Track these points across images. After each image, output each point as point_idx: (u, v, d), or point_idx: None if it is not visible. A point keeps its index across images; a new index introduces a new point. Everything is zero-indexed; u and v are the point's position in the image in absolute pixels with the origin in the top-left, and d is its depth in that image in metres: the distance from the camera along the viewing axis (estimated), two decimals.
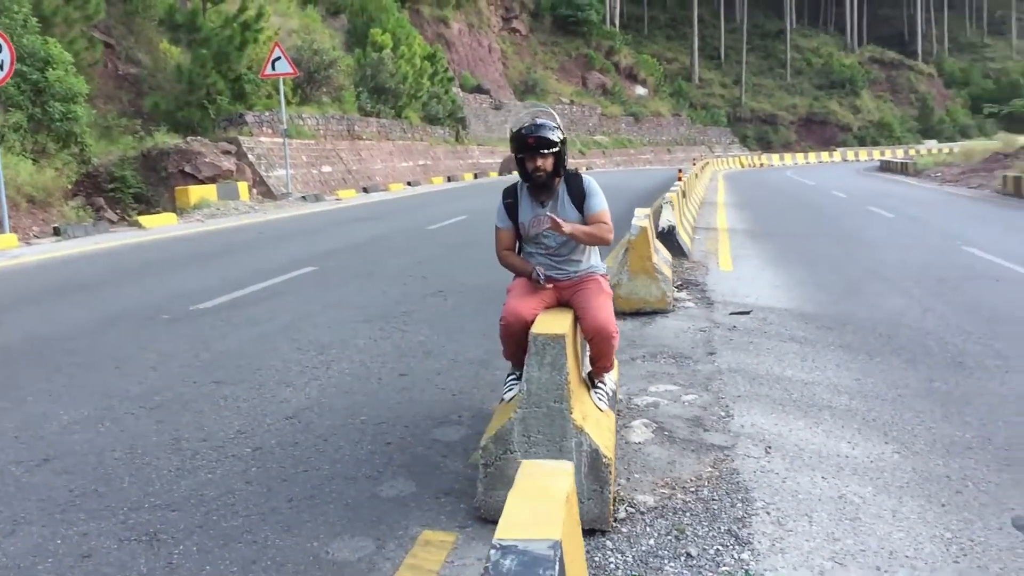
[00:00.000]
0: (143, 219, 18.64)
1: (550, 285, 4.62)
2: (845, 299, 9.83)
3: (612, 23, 77.22)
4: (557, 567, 1.95)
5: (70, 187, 19.35)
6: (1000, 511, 4.29)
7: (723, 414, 5.76)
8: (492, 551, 2.00)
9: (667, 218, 12.62)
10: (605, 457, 4.06)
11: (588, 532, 4.04)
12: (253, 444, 5.12)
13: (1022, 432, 5.41)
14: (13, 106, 18.34)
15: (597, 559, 3.83)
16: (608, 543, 3.98)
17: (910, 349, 7.49)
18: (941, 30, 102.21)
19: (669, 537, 4.02)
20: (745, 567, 3.75)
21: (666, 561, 3.81)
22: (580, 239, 4.64)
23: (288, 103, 26.14)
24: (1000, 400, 6.08)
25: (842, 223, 18.64)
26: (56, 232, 16.55)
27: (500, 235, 4.84)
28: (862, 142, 79.75)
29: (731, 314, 8.85)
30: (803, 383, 6.50)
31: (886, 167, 48.14)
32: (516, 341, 4.52)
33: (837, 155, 70.01)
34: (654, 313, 8.79)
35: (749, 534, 4.04)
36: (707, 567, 3.76)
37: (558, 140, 4.58)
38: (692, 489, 4.54)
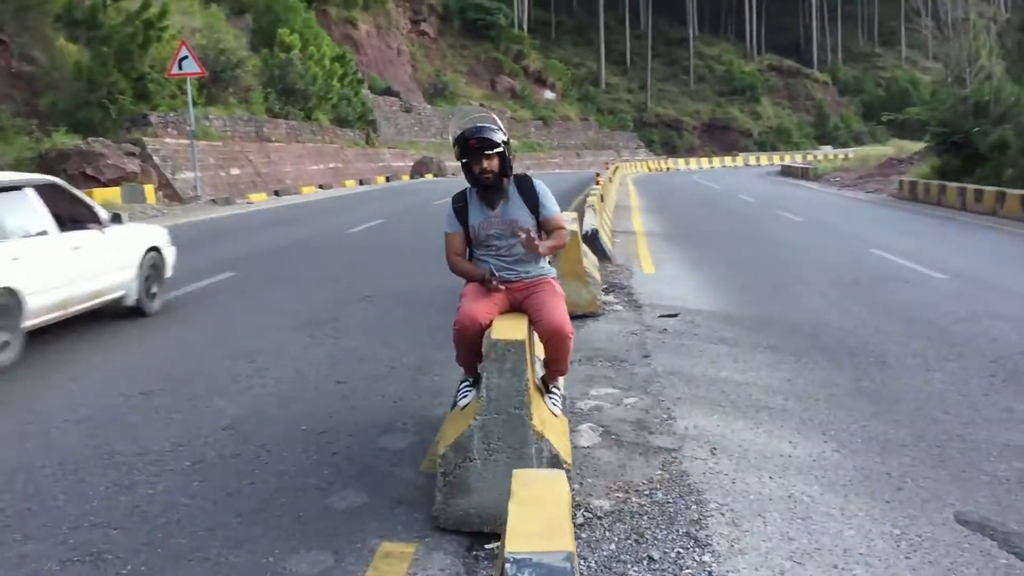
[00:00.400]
0: None
1: (503, 287, 4.58)
2: (767, 301, 10.06)
3: (521, 27, 77.64)
4: None
5: None
6: (942, 507, 4.43)
7: (665, 416, 5.81)
8: (507, 565, 1.95)
9: (590, 222, 12.72)
10: (566, 463, 4.05)
11: None
12: (192, 457, 4.94)
13: (950, 429, 5.60)
14: None
15: None
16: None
17: (834, 349, 7.70)
18: (835, 40, 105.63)
19: (629, 541, 4.03)
20: (708, 569, 3.78)
21: (629, 566, 3.81)
22: (549, 254, 4.66)
23: (194, 104, 25.45)
24: (926, 398, 6.29)
25: (753, 226, 19.10)
26: None
27: (450, 240, 4.78)
28: (762, 147, 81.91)
29: (660, 317, 8.96)
30: (738, 384, 6.61)
31: (787, 172, 49.57)
32: (470, 346, 4.47)
33: (740, 160, 71.79)
34: (584, 317, 8.82)
35: (707, 536, 4.08)
36: (670, 570, 3.78)
37: (500, 140, 4.57)
38: (646, 492, 4.56)
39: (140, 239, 9.04)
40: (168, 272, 9.50)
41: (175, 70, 23.52)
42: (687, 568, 3.79)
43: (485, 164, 4.55)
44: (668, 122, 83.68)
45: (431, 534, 4.05)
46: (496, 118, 4.78)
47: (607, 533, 4.10)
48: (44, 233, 7.51)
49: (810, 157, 65.66)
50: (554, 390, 4.63)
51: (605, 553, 3.92)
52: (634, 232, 17.43)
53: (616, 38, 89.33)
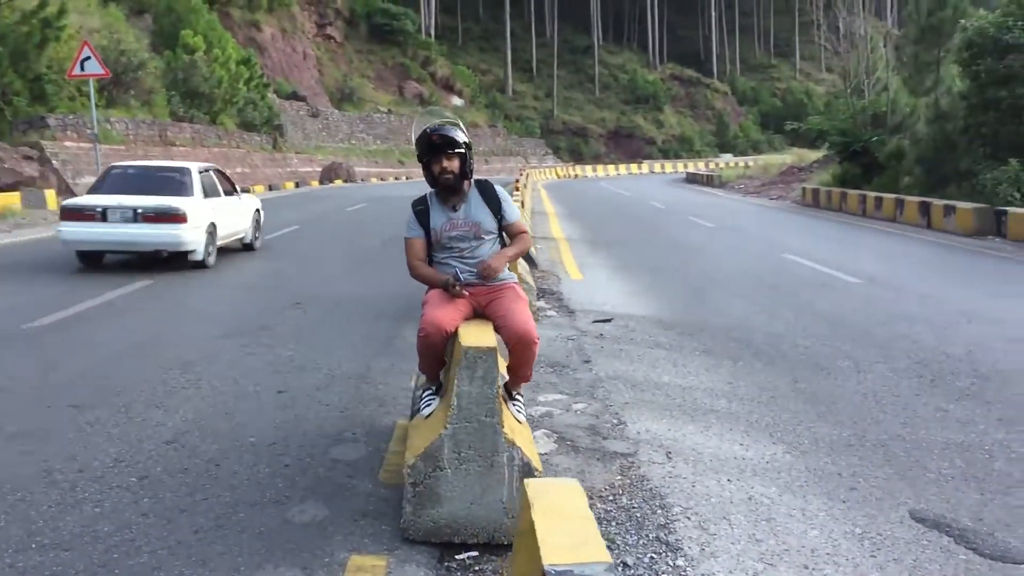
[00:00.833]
0: None
1: (467, 292, 4.52)
2: (694, 305, 10.23)
3: (428, 33, 77.43)
4: None
5: None
6: (896, 504, 4.55)
7: (616, 421, 5.83)
8: None
9: None
10: (537, 471, 4.01)
11: None
12: (137, 473, 4.72)
13: (890, 429, 5.77)
14: None
15: None
16: None
17: (768, 353, 7.86)
18: (733, 51, 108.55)
19: None
20: (683, 573, 3.79)
21: None
22: (513, 260, 4.64)
23: (95, 106, 24.51)
24: (861, 399, 6.47)
25: (669, 232, 19.43)
26: None
27: (412, 245, 4.69)
28: (666, 155, 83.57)
29: (594, 322, 9.01)
30: (681, 388, 6.69)
31: (693, 179, 50.68)
32: (435, 353, 4.40)
33: (645, 167, 73.03)
34: None
35: (677, 540, 4.10)
36: (646, 575, 3.78)
37: (462, 141, 4.53)
38: (610, 498, 4.56)
39: (253, 204, 14.93)
40: (261, 224, 15.30)
41: (77, 71, 22.56)
42: (663, 572, 3.79)
43: (445, 164, 4.50)
44: (574, 129, 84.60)
45: (400, 546, 3.96)
46: (459, 121, 4.74)
47: None
48: (219, 195, 13.13)
49: (712, 165, 67.33)
50: (517, 397, 4.59)
51: None
52: (555, 238, 17.52)
53: (522, 45, 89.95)
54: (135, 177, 12.57)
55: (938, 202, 20.80)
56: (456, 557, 3.94)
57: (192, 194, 12.24)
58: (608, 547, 3.92)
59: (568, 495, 2.37)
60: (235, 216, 13.63)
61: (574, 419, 5.85)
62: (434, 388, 4.52)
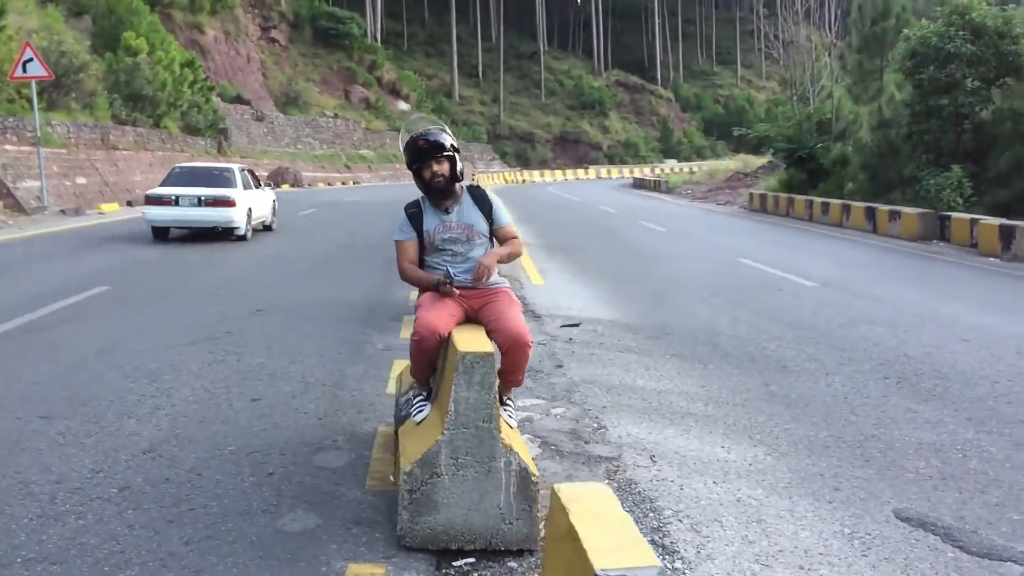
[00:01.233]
0: None
1: (458, 292, 4.50)
2: (658, 309, 10.31)
3: (374, 37, 77.00)
4: None
5: None
6: (880, 504, 4.63)
7: (596, 426, 5.85)
8: None
9: None
10: (534, 476, 4.00)
11: (518, 553, 3.97)
12: (117, 484, 4.60)
13: (864, 430, 5.87)
14: None
15: None
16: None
17: (735, 356, 7.95)
18: (676, 58, 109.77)
19: None
20: None
21: None
22: (505, 262, 4.64)
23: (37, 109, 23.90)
24: (832, 400, 6.58)
25: (622, 237, 19.57)
26: None
27: (403, 248, 4.68)
28: (612, 160, 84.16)
29: (562, 327, 9.03)
30: (656, 392, 6.73)
31: (640, 184, 51.08)
32: (429, 358, 4.37)
33: (592, 172, 73.45)
34: None
35: (672, 543, 4.12)
36: None
37: (450, 145, 4.53)
38: None
39: (271, 196, 19.59)
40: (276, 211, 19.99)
41: (19, 73, 22.03)
42: None
43: (436, 168, 4.52)
44: (521, 135, 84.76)
45: (397, 553, 3.92)
46: (446, 126, 4.74)
47: None
48: (251, 189, 17.41)
49: (657, 170, 67.97)
50: (508, 402, 4.58)
51: None
52: None
53: (468, 50, 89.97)
54: (194, 174, 17.47)
55: (883, 207, 21.27)
56: (453, 564, 3.91)
57: (236, 187, 16.80)
58: None
59: (601, 499, 2.37)
60: (262, 204, 18.35)
61: (555, 424, 5.86)
62: (426, 394, 4.48)
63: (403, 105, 70.87)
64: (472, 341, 4.13)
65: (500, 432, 3.97)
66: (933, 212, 19.42)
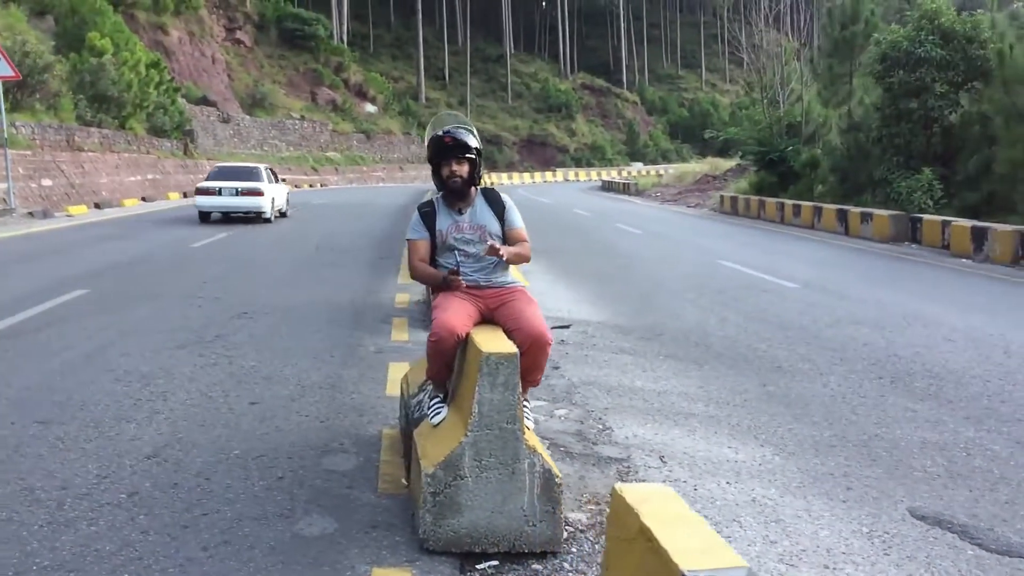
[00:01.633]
0: None
1: (466, 286, 4.48)
2: (646, 311, 10.33)
3: (340, 39, 76.55)
4: None
5: None
6: (893, 503, 4.65)
7: (601, 427, 5.83)
8: None
9: None
10: (557, 477, 3.97)
11: (541, 555, 3.94)
12: (125, 489, 4.50)
13: (866, 429, 5.91)
14: None
15: None
16: (566, 565, 3.88)
17: (729, 356, 7.98)
18: (642, 62, 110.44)
19: None
20: None
21: None
22: (516, 261, 4.61)
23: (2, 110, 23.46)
24: (831, 400, 6.62)
25: (600, 239, 19.61)
26: None
27: (415, 246, 4.65)
28: (578, 163, 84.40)
29: (553, 328, 8.96)
30: (656, 393, 6.73)
31: (609, 187, 51.28)
32: (446, 359, 4.32)
33: (560, 175, 73.64)
34: None
35: None
36: None
37: (475, 146, 4.50)
38: None
39: (286, 189, 23.85)
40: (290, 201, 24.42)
41: None
42: None
43: (455, 167, 4.50)
44: (488, 137, 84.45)
45: (420, 557, 3.86)
46: (473, 128, 4.70)
47: (597, 547, 4.04)
48: (273, 181, 21.97)
49: (624, 173, 68.32)
50: (525, 403, 4.54)
51: None
52: None
53: (435, 53, 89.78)
54: (231, 171, 22.11)
55: (855, 209, 21.52)
56: (477, 567, 3.87)
57: (263, 181, 21.58)
58: None
59: (668, 500, 2.34)
60: (280, 195, 23.12)
61: (560, 425, 5.83)
62: (442, 396, 4.43)
63: (370, 107, 70.53)
64: (494, 342, 4.09)
65: (524, 434, 3.94)
66: (905, 214, 19.67)
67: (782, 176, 28.40)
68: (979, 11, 22.46)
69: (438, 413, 4.35)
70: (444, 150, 4.48)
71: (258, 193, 20.90)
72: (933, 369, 7.55)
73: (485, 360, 3.90)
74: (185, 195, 34.33)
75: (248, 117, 55.09)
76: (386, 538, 4.04)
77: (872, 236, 19.99)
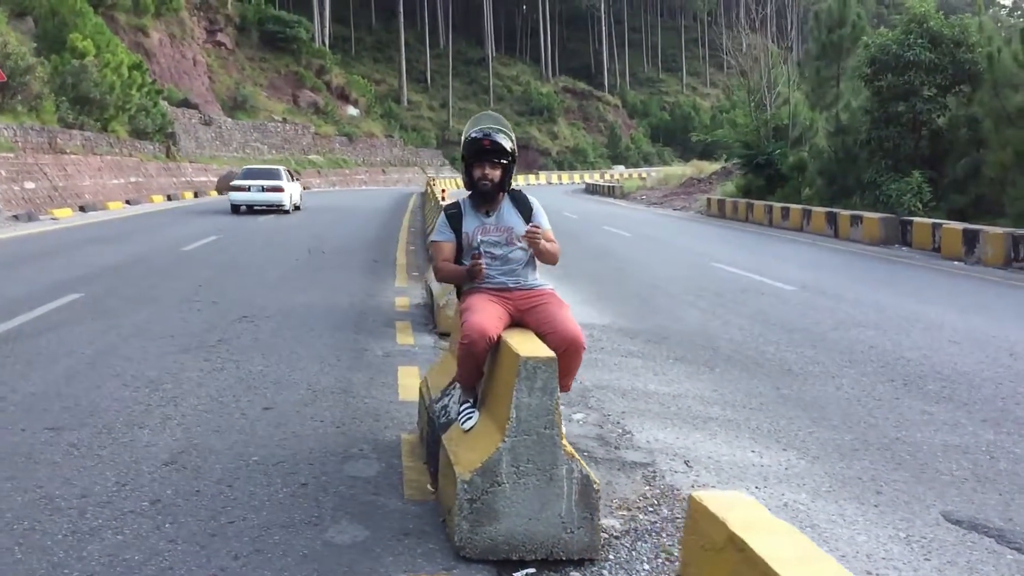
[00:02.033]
0: None
1: (485, 271, 4.48)
2: (648, 313, 10.28)
3: (322, 42, 76.28)
4: None
5: None
6: (925, 507, 4.61)
7: (621, 431, 5.77)
8: None
9: None
10: (595, 483, 3.90)
11: (579, 562, 3.87)
12: (147, 497, 4.39)
13: (887, 432, 5.87)
14: None
15: None
16: (605, 573, 3.81)
17: (739, 359, 7.94)
18: (623, 65, 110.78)
19: (659, 560, 3.92)
20: None
21: None
22: (546, 258, 4.56)
23: None
24: (846, 403, 6.58)
25: (591, 242, 19.55)
26: None
27: (440, 247, 4.62)
28: (560, 166, 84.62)
29: None
30: (671, 396, 6.67)
31: (593, 190, 51.32)
32: (477, 363, 4.24)
33: (542, 178, 73.68)
34: None
35: None
36: None
37: (511, 151, 4.44)
38: (649, 508, 4.48)
39: (300, 186, 29.67)
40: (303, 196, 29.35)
41: None
42: None
43: (488, 171, 4.47)
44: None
45: (456, 565, 3.78)
46: (511, 132, 4.65)
47: (634, 553, 3.98)
48: (291, 180, 27.50)
49: (607, 176, 68.41)
50: None
51: (643, 574, 3.80)
52: None
53: (416, 56, 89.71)
54: (257, 172, 26.97)
55: (845, 212, 21.59)
56: (514, 575, 3.80)
57: (283, 179, 26.43)
58: (666, 559, 3.88)
59: (752, 508, 2.27)
60: (296, 192, 27.48)
61: (579, 429, 5.76)
62: (472, 400, 4.35)
63: (352, 110, 70.30)
64: (529, 345, 4.01)
65: (562, 439, 3.87)
66: (895, 217, 19.75)
67: (769, 179, 28.49)
68: (966, 14, 22.61)
69: (469, 418, 4.27)
70: (480, 152, 4.42)
71: (279, 190, 25.73)
72: (943, 371, 7.53)
73: (523, 364, 3.82)
74: (169, 198, 34.11)
75: (230, 120, 54.78)
76: (419, 545, 3.96)
77: (862, 239, 20.06)
